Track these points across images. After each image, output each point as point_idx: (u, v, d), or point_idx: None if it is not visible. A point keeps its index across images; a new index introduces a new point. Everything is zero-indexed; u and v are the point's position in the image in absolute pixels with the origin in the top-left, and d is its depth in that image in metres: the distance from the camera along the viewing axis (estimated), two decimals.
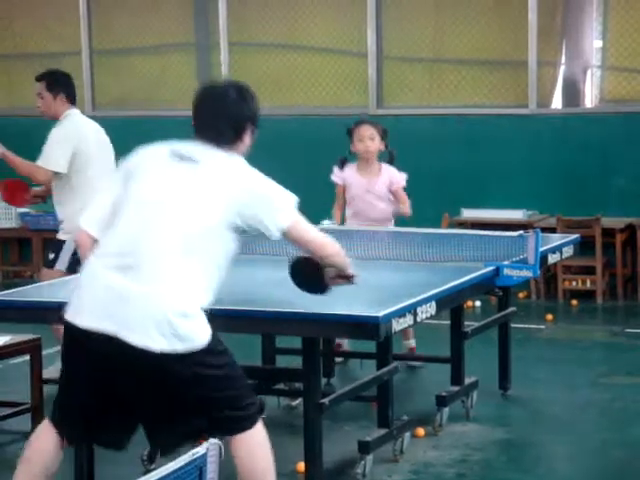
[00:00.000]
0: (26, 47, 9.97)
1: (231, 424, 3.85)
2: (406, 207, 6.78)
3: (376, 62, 10.03)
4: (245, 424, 3.86)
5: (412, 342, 6.95)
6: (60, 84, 6.82)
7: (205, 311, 3.83)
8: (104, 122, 10.66)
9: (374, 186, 6.80)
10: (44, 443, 3.91)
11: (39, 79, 6.84)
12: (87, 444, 4.35)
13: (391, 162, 6.96)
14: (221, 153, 3.93)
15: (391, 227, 6.77)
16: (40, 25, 11.16)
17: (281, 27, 10.49)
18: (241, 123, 3.96)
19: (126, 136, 10.79)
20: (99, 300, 3.74)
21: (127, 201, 3.86)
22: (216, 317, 4.47)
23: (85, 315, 3.74)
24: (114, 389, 3.79)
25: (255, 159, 9.61)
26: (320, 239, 4.03)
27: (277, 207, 3.89)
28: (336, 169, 6.95)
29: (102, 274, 3.77)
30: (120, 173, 4.01)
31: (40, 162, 6.61)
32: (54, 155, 6.58)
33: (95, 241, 3.91)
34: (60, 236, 6.65)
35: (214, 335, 3.83)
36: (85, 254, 3.92)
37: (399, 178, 6.85)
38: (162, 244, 3.76)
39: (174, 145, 3.98)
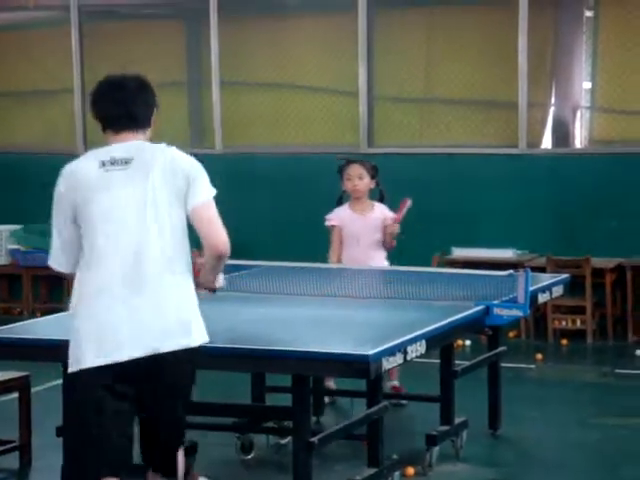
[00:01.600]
0: (18, 85, 9.99)
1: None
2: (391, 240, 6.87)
3: (367, 101, 10.08)
4: None
5: (396, 382, 6.94)
6: None
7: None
8: None
9: (369, 221, 6.86)
10: None
11: None
12: None
13: (381, 200, 7.01)
14: (144, 145, 4.04)
15: (382, 265, 6.77)
16: (33, 63, 11.20)
17: (273, 66, 10.55)
18: (151, 107, 4.13)
19: None
20: (126, 329, 3.83)
21: (91, 230, 3.90)
22: (205, 354, 4.49)
23: (125, 348, 3.81)
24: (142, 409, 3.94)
25: (246, 196, 9.59)
26: (223, 230, 4.10)
27: (202, 183, 4.06)
28: (332, 213, 6.99)
29: (112, 307, 3.83)
30: (64, 206, 3.98)
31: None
32: None
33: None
34: None
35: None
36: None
37: (390, 214, 6.91)
38: (147, 257, 3.88)
39: (97, 154, 4.01)
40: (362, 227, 6.90)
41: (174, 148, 4.06)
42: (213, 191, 4.05)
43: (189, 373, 4.01)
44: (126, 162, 3.94)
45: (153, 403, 3.95)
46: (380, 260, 6.87)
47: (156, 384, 3.90)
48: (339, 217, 6.96)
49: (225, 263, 4.17)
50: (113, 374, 3.81)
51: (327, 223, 6.98)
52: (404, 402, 6.79)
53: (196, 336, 3.96)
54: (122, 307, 3.82)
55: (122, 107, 4.00)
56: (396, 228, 6.89)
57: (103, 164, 3.93)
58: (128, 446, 3.91)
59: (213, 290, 4.23)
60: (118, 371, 3.81)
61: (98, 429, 3.83)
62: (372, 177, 6.97)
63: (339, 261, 6.87)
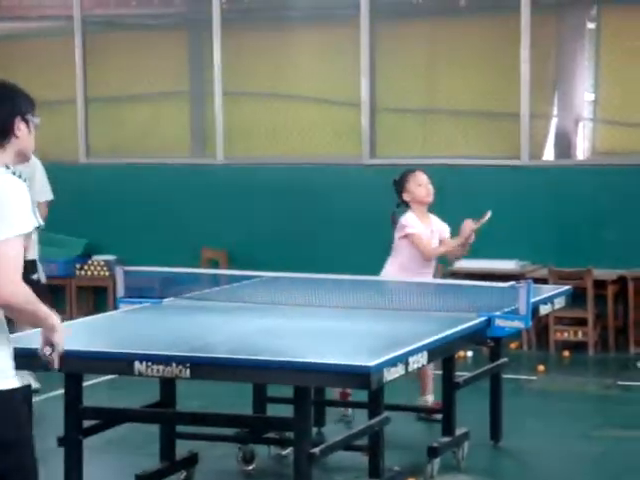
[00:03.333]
0: None
1: None
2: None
3: (369, 112, 10.09)
4: None
5: (430, 397, 6.74)
6: None
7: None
8: (98, 169, 10.78)
9: (434, 232, 6.78)
10: None
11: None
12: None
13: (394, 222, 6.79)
14: None
15: (389, 277, 6.66)
16: (36, 73, 11.21)
17: (275, 77, 10.56)
18: (4, 121, 3.70)
19: (119, 184, 10.90)
20: None
21: None
22: (207, 366, 4.48)
23: None
24: None
25: (247, 206, 9.59)
26: (12, 279, 3.41)
27: (4, 217, 3.48)
28: (407, 221, 6.68)
29: None
30: None
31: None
32: None
33: None
34: None
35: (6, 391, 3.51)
36: None
37: (443, 226, 6.89)
38: None
39: None
40: (430, 240, 6.72)
41: (12, 180, 3.60)
42: (19, 229, 3.45)
43: None
44: None
45: None
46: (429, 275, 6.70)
47: None
48: (417, 226, 6.69)
49: (32, 319, 3.53)
50: None
51: (410, 230, 6.63)
52: (437, 417, 6.22)
53: None
54: None
55: None
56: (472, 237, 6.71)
57: None
58: None
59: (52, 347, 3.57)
60: None
61: None
62: None
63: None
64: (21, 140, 3.74)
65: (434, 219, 6.88)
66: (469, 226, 6.70)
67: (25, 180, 7.11)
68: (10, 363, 3.53)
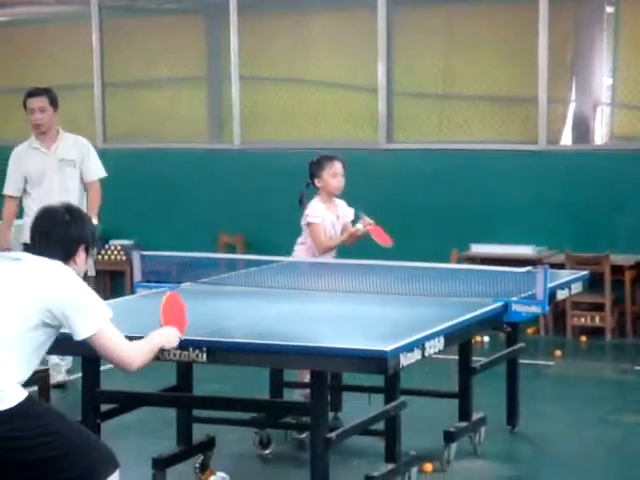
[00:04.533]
0: (39, 80, 10.01)
1: None
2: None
3: (386, 97, 10.07)
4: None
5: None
6: (56, 101, 7.49)
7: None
8: (115, 154, 10.79)
9: (340, 218, 6.79)
10: None
11: (39, 94, 7.42)
12: None
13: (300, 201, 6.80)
14: (45, 259, 4.03)
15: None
16: (53, 58, 11.24)
17: (292, 62, 10.55)
18: (70, 245, 4.08)
19: (136, 168, 10.92)
20: None
21: None
22: (223, 350, 4.49)
23: None
24: None
25: (264, 190, 9.57)
26: (126, 355, 4.04)
27: (86, 313, 3.95)
28: (312, 210, 6.68)
29: None
30: None
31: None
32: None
33: None
34: None
35: (28, 398, 3.87)
36: None
37: (349, 211, 6.83)
38: None
39: (12, 253, 4.23)
40: (335, 226, 6.76)
41: (73, 276, 4.03)
42: (103, 321, 3.99)
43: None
44: (18, 259, 4.12)
45: None
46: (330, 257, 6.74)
47: None
48: (322, 215, 6.70)
49: (151, 353, 4.20)
50: None
51: (311, 220, 6.65)
52: None
53: None
54: None
55: (43, 241, 4.11)
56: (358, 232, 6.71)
57: (5, 256, 4.18)
58: None
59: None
60: None
61: None
62: None
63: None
64: (77, 266, 4.12)
65: (340, 204, 6.83)
66: (351, 229, 6.70)
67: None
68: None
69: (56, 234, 4.05)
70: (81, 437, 3.94)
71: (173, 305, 4.45)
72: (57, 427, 3.88)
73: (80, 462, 3.85)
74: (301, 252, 6.74)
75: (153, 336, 4.23)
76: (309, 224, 6.67)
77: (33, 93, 7.46)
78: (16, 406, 3.81)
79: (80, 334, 3.95)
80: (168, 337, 4.29)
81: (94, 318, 3.95)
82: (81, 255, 4.10)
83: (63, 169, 7.41)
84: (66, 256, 4.06)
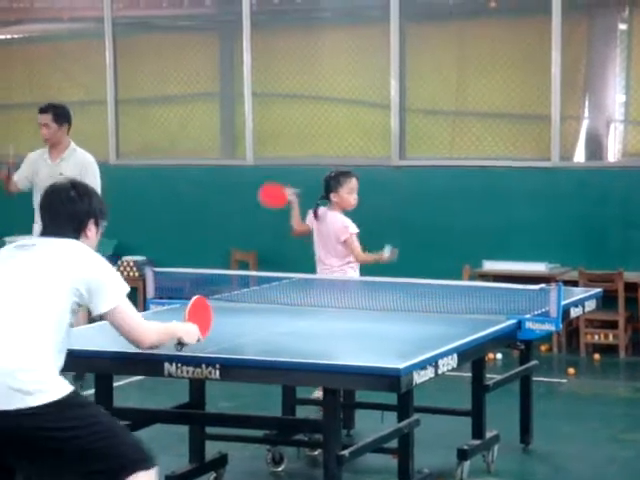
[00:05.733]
0: (53, 96, 10.06)
1: (110, 475, 3.84)
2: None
3: (399, 114, 10.08)
4: (124, 473, 3.84)
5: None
6: (64, 117, 7.95)
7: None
8: (128, 170, 10.82)
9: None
10: None
11: (45, 110, 7.90)
12: None
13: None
14: (59, 239, 4.07)
15: (411, 279, 6.71)
16: (67, 74, 11.28)
17: (305, 78, 10.57)
18: (79, 220, 4.12)
19: (149, 185, 10.94)
20: None
21: None
22: (237, 367, 4.49)
23: None
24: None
25: (277, 208, 9.57)
26: (141, 329, 4.11)
27: (108, 288, 4.01)
28: (346, 220, 6.90)
29: None
30: None
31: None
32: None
33: None
34: None
35: (73, 390, 3.87)
36: None
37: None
38: (10, 326, 3.86)
39: (20, 240, 4.24)
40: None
41: (92, 253, 4.11)
42: (122, 297, 4.06)
43: (44, 433, 3.79)
44: (30, 246, 4.16)
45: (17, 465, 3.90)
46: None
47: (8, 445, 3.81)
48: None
49: (167, 336, 4.28)
50: None
51: (353, 230, 6.89)
52: None
53: (28, 399, 3.79)
54: None
55: (51, 220, 4.18)
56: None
57: (16, 246, 4.18)
58: None
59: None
60: None
61: None
62: None
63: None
64: (89, 240, 4.14)
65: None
66: (379, 256, 6.88)
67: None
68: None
69: (64, 211, 4.09)
70: (122, 428, 3.96)
71: (200, 307, 4.50)
72: (103, 417, 3.89)
73: (121, 453, 3.84)
74: (351, 271, 6.81)
75: (173, 323, 4.31)
76: (351, 235, 6.78)
77: (41, 109, 7.95)
78: (65, 397, 3.80)
79: (101, 308, 3.99)
80: (187, 330, 4.34)
81: (115, 293, 4.01)
82: (92, 229, 4.14)
83: None
84: (77, 232, 4.09)
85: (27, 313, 3.87)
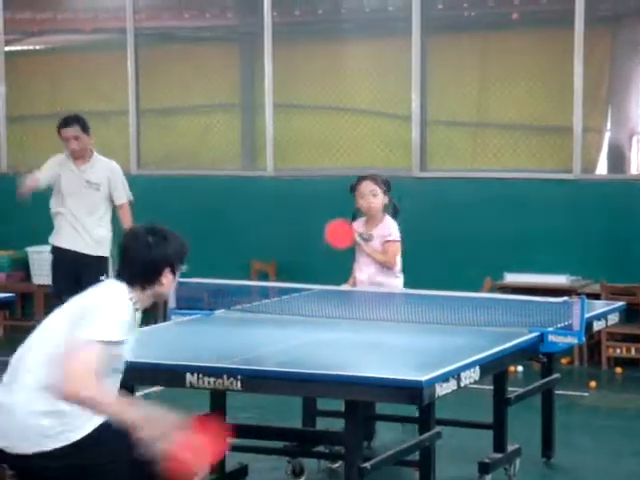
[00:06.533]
0: (75, 106, 10.09)
1: None
2: (382, 256, 6.57)
3: (420, 125, 10.06)
4: None
5: None
6: (87, 126, 7.99)
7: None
8: (149, 181, 10.84)
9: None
10: None
11: (71, 123, 7.87)
12: None
13: (395, 214, 6.72)
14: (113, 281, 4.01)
15: (432, 290, 6.60)
16: (89, 85, 11.32)
17: (325, 89, 10.57)
18: (155, 267, 3.96)
19: (170, 195, 10.95)
20: None
21: None
22: (258, 378, 4.48)
23: None
24: None
25: (297, 218, 9.60)
26: (84, 377, 3.61)
27: (94, 322, 3.77)
28: (392, 228, 6.67)
29: None
30: None
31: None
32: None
33: None
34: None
35: (97, 429, 3.77)
36: None
37: (392, 230, 6.64)
38: (31, 359, 3.83)
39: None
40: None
41: (116, 295, 3.98)
42: (104, 335, 3.76)
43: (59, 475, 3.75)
44: None
45: None
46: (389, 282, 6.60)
47: None
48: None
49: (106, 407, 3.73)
50: None
51: (396, 237, 6.63)
52: None
53: (46, 442, 3.74)
54: None
55: (126, 265, 4.03)
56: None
57: None
58: None
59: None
60: None
61: None
62: (385, 192, 6.66)
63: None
64: (164, 287, 3.98)
65: (384, 223, 6.69)
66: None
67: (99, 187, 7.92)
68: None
69: (140, 258, 3.93)
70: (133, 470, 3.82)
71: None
72: (126, 455, 3.74)
73: None
74: (398, 284, 6.63)
75: (142, 411, 3.71)
76: (394, 241, 6.59)
77: (66, 123, 7.91)
78: (91, 433, 3.75)
79: (80, 334, 3.73)
80: (154, 423, 3.67)
81: (96, 330, 3.73)
82: (168, 276, 3.97)
83: (88, 190, 7.87)
84: (150, 278, 3.93)
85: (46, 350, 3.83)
